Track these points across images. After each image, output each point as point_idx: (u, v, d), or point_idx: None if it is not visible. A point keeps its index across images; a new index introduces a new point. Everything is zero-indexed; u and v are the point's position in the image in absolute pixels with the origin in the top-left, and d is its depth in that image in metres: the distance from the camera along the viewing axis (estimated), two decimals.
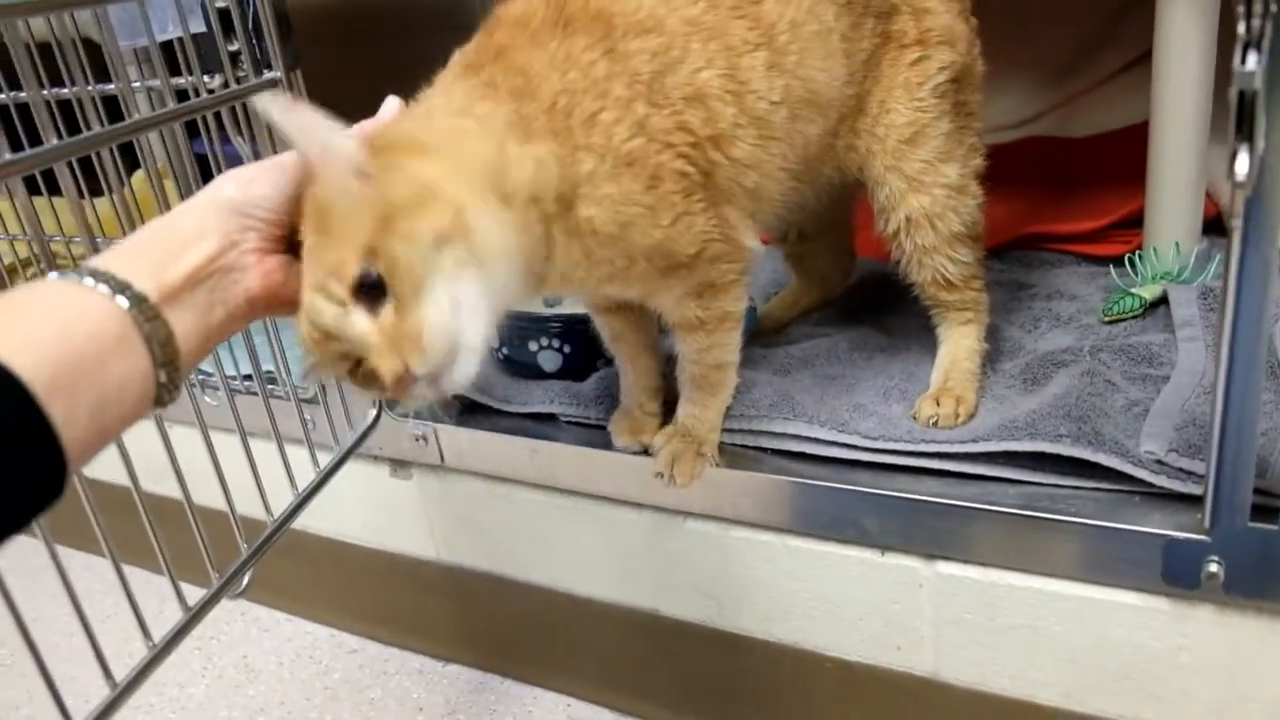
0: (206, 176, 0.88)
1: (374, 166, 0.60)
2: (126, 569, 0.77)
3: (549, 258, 0.71)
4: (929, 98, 0.88)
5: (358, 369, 0.62)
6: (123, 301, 0.52)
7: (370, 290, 0.58)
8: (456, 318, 0.60)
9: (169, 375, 0.54)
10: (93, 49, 0.84)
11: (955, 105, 0.90)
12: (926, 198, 0.89)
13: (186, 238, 0.58)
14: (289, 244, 0.62)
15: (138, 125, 0.76)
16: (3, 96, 0.94)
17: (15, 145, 0.68)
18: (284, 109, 0.59)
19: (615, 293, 0.82)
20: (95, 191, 0.90)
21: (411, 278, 0.58)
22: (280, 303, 0.63)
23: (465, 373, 0.61)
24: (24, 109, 0.78)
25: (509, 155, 0.66)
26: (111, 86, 0.82)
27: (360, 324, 0.59)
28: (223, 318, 0.59)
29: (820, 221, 1.09)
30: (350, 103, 0.65)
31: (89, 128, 0.75)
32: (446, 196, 0.61)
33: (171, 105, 0.81)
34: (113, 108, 0.81)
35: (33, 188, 0.75)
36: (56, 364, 0.47)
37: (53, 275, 0.53)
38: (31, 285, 0.52)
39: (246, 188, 0.61)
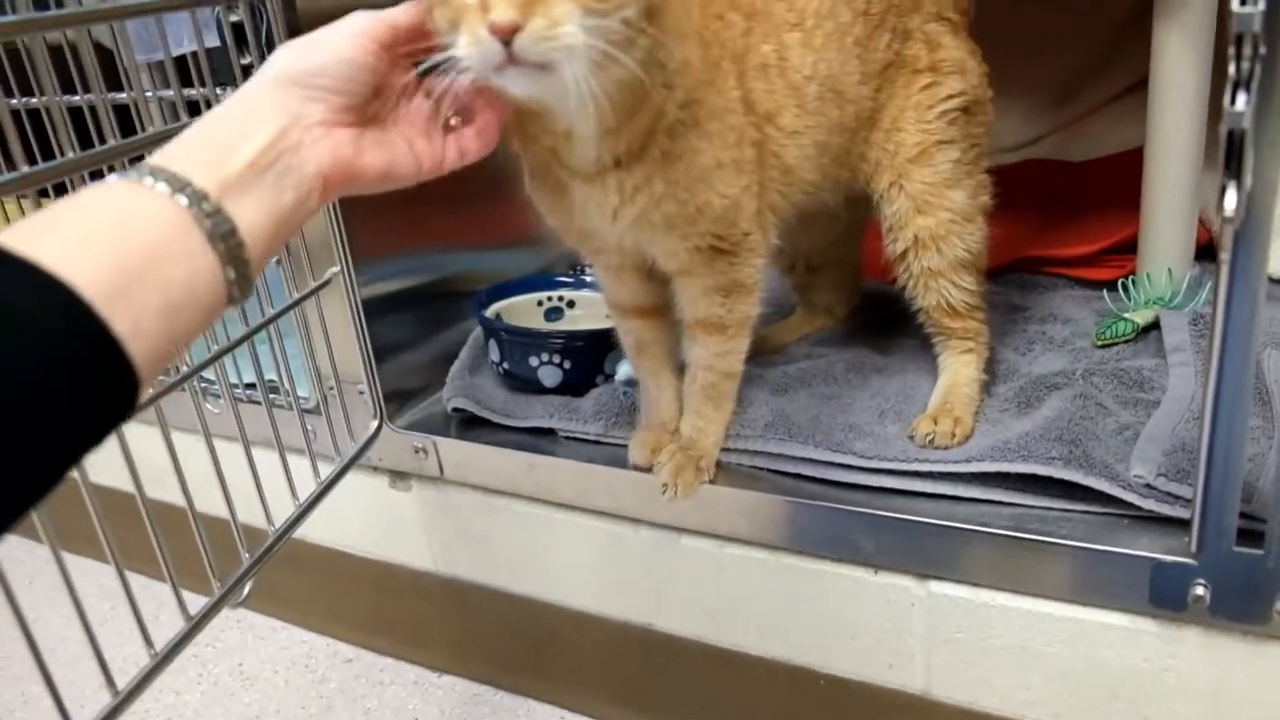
0: None
1: None
2: (109, 573, 0.77)
3: (650, 139, 0.74)
4: (936, 121, 0.92)
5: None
6: (181, 199, 0.50)
7: None
8: (598, 39, 0.60)
9: (239, 271, 0.52)
10: (103, 55, 0.86)
11: (965, 136, 0.93)
12: (932, 220, 0.92)
13: (245, 124, 0.56)
14: (361, 116, 0.61)
15: (153, 138, 0.77)
16: (15, 102, 0.96)
17: (27, 153, 0.69)
18: None
19: (657, 245, 0.83)
20: None
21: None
22: (355, 178, 0.61)
23: (572, 76, 0.60)
24: (34, 115, 0.80)
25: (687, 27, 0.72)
26: (123, 95, 0.83)
27: None
28: (293, 202, 0.56)
29: (828, 254, 1.12)
30: None
31: (101, 135, 0.76)
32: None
33: (185, 119, 0.82)
34: (123, 116, 0.83)
35: (43, 194, 0.76)
36: (115, 271, 0.45)
37: (111, 176, 0.51)
38: (89, 188, 0.50)
39: (305, 56, 0.58)
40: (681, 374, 0.95)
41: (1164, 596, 0.76)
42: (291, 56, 0.58)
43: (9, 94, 1.12)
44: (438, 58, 0.61)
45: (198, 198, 0.50)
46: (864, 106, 0.91)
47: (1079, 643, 0.82)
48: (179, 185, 0.50)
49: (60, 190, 0.73)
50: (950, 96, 0.92)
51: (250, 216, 0.53)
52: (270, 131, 0.55)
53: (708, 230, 0.81)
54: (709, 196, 0.79)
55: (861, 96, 0.90)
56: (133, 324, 0.45)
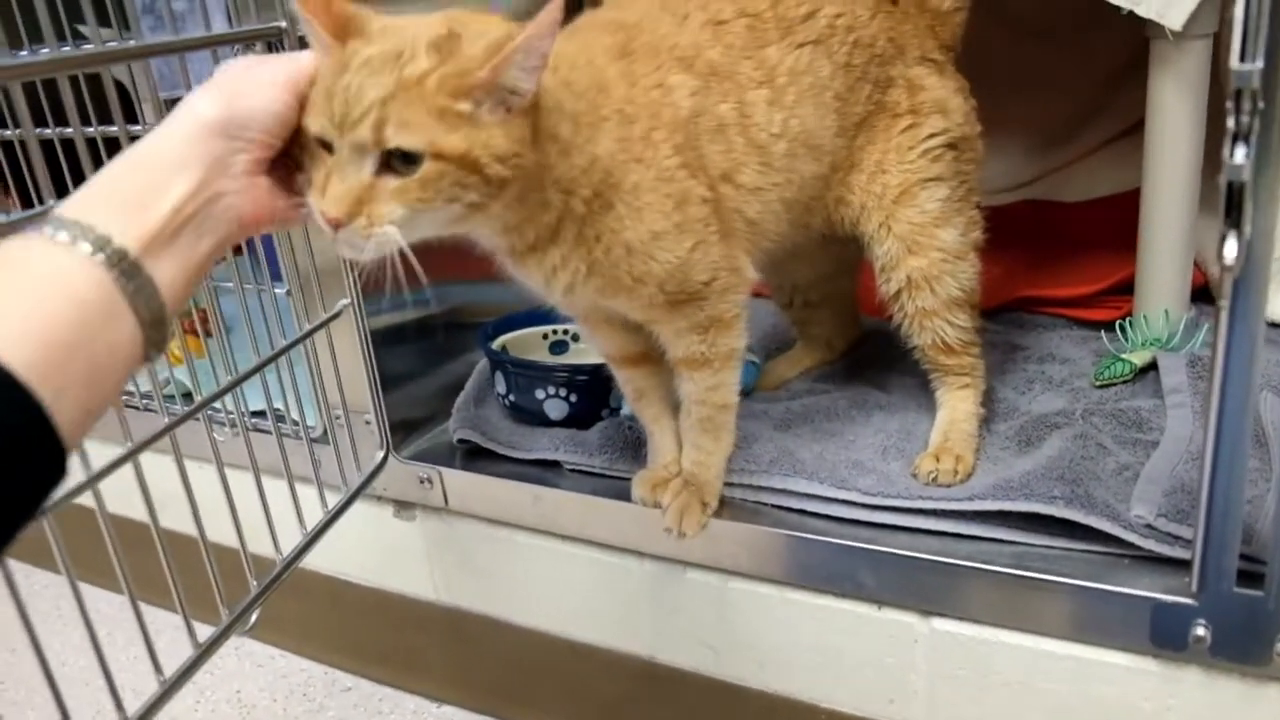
0: None
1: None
2: (122, 601, 0.78)
3: (557, 235, 0.75)
4: (919, 160, 0.93)
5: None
6: (101, 259, 0.49)
7: (403, 157, 0.61)
8: (408, 236, 0.64)
9: (157, 331, 0.52)
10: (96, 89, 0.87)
11: (954, 173, 0.94)
12: (924, 260, 0.93)
13: (164, 171, 0.55)
14: (280, 162, 0.63)
15: None
16: (50, 132, 0.97)
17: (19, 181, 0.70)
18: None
19: (621, 307, 0.85)
20: None
21: (432, 190, 0.62)
22: (268, 223, 0.62)
23: (371, 260, 0.64)
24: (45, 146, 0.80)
25: (574, 140, 0.72)
26: (138, 129, 0.85)
27: (365, 168, 0.61)
28: (209, 249, 0.57)
29: (824, 288, 1.14)
30: None
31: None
32: (513, 137, 0.65)
33: None
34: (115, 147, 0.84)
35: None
36: (45, 345, 0.45)
37: (26, 231, 0.50)
38: (9, 246, 0.49)
39: (231, 105, 0.58)
40: (678, 412, 0.95)
41: (1165, 636, 0.77)
42: (218, 104, 0.58)
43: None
44: (306, 199, 0.64)
45: (119, 258, 0.50)
46: (840, 155, 0.92)
47: (1080, 681, 0.83)
48: (100, 244, 0.50)
49: None
50: (932, 135, 0.93)
51: (170, 273, 0.53)
52: (192, 182, 0.55)
53: (656, 291, 0.81)
54: (647, 266, 0.79)
55: (838, 147, 0.91)
56: (61, 396, 0.45)
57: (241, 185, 0.59)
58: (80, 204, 0.52)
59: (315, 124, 0.62)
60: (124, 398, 1.24)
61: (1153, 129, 1.08)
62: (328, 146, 0.62)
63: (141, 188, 0.54)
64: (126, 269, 0.50)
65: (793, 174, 0.88)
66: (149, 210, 0.53)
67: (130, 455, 0.76)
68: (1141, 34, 1.03)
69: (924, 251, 0.93)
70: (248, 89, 0.60)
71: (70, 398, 0.46)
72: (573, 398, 1.08)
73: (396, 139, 0.61)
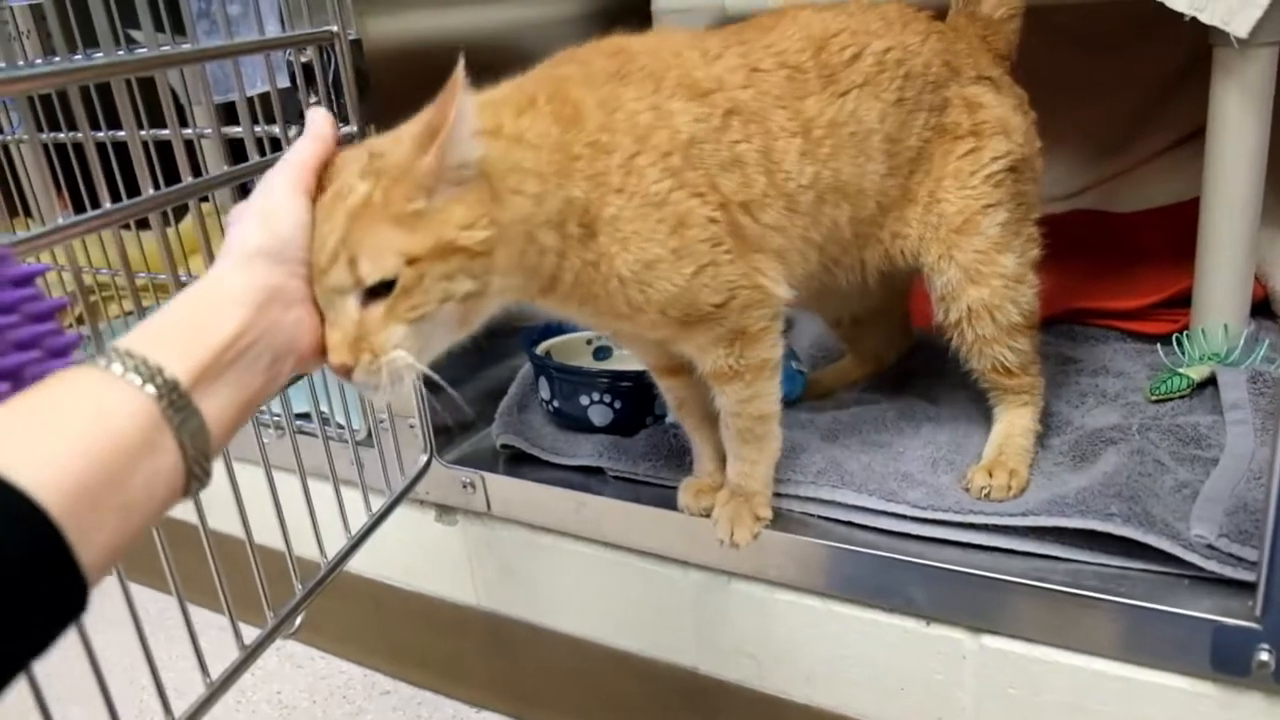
0: None
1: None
2: (163, 601, 0.78)
3: (556, 278, 0.74)
4: (981, 185, 0.89)
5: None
6: (150, 390, 0.49)
7: (384, 287, 0.61)
8: (423, 353, 0.64)
9: (200, 466, 0.51)
10: (149, 93, 0.87)
11: (1013, 195, 0.91)
12: (985, 289, 0.90)
13: (220, 303, 0.55)
14: None
15: (228, 176, 0.79)
16: (103, 135, 0.98)
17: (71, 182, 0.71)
18: (465, 90, 0.60)
19: (643, 328, 0.82)
20: (141, 224, 0.93)
21: (419, 295, 0.61)
22: (319, 357, 0.61)
23: (398, 393, 0.63)
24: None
25: (543, 191, 0.69)
26: (189, 132, 0.85)
27: (352, 303, 0.61)
28: (263, 382, 0.56)
29: (874, 306, 1.11)
30: None
31: (181, 175, 0.78)
32: (474, 200, 0.64)
33: (256, 156, 0.84)
34: (162, 151, 0.84)
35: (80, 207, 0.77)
36: (76, 476, 0.44)
37: (83, 362, 0.50)
38: (61, 377, 0.49)
39: (268, 229, 0.59)
40: (715, 423, 0.94)
41: (1226, 661, 0.75)
42: (256, 231, 0.58)
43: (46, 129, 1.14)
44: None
45: (169, 389, 0.49)
46: (890, 195, 0.89)
47: (1134, 703, 0.81)
48: (151, 375, 0.49)
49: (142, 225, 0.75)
50: (995, 159, 0.90)
51: (220, 407, 0.52)
52: (248, 312, 0.55)
53: (658, 316, 0.78)
54: (644, 294, 0.76)
55: (888, 187, 0.88)
56: (89, 530, 0.44)
57: (298, 315, 0.59)
58: (136, 337, 0.52)
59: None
60: None
61: (1214, 138, 1.05)
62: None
63: (197, 321, 0.54)
64: (175, 400, 0.49)
65: (821, 217, 0.85)
66: (203, 342, 0.53)
67: None
68: (1198, 40, 1.01)
69: (985, 280, 0.90)
70: (272, 209, 0.60)
71: (100, 530, 0.45)
72: (617, 404, 1.08)
73: (371, 271, 0.60)
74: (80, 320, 1.57)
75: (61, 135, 1.26)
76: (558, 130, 0.71)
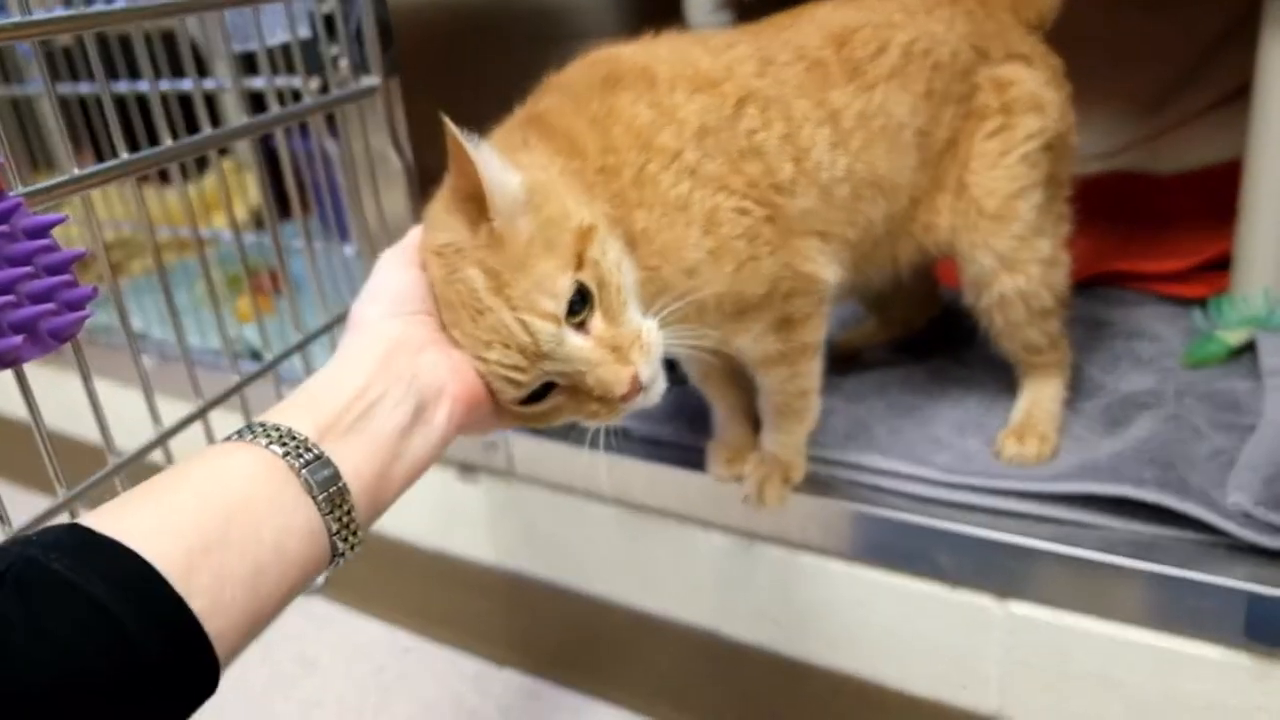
0: (274, 170, 0.90)
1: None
2: None
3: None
4: (1016, 166, 0.84)
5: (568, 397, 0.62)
6: (276, 448, 0.47)
7: (576, 305, 0.59)
8: (651, 304, 0.64)
9: (342, 520, 0.48)
10: (170, 45, 0.86)
11: (1049, 176, 0.87)
12: (1022, 277, 0.86)
13: (347, 367, 0.54)
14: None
15: (248, 129, 0.78)
16: (124, 87, 0.97)
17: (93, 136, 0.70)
18: (467, 138, 0.57)
19: (693, 334, 0.78)
20: (165, 178, 0.92)
21: (614, 285, 0.60)
22: (482, 398, 0.59)
23: (669, 347, 0.64)
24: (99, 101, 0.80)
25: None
26: (210, 84, 0.84)
27: (575, 338, 0.59)
28: (410, 435, 0.54)
29: (900, 279, 1.08)
30: (451, 112, 0.66)
31: (200, 126, 0.77)
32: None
33: (277, 109, 0.82)
34: (183, 103, 0.83)
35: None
36: (196, 539, 0.42)
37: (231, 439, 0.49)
38: (193, 455, 0.48)
39: (382, 291, 0.59)
40: (748, 393, 0.92)
41: (1261, 631, 0.73)
42: (369, 303, 0.58)
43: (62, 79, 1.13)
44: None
45: (296, 445, 0.48)
46: (922, 188, 0.85)
47: (1164, 673, 0.79)
48: (275, 435, 0.48)
49: (163, 177, 0.74)
50: (1029, 137, 0.85)
51: (355, 458, 0.50)
52: (372, 364, 0.53)
53: (714, 312, 0.74)
54: (694, 298, 0.71)
55: (920, 180, 0.84)
56: (214, 598, 0.42)
57: (434, 357, 0.56)
58: (270, 414, 0.51)
59: (514, 394, 0.60)
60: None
61: (1260, 95, 1.01)
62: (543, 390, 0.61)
63: (324, 387, 0.53)
64: (302, 454, 0.48)
65: (857, 215, 0.81)
66: (328, 400, 0.52)
67: (201, 413, 0.76)
68: None
69: (1023, 268, 0.86)
70: (382, 279, 0.60)
71: (224, 595, 0.42)
72: None
73: (556, 296, 0.58)
74: (102, 278, 1.58)
75: (83, 88, 1.26)
76: (562, 160, 0.67)
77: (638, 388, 0.60)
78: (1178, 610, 0.77)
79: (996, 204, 0.85)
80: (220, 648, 0.42)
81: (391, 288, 0.59)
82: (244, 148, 1.21)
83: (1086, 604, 0.81)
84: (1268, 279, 1.06)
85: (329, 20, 0.90)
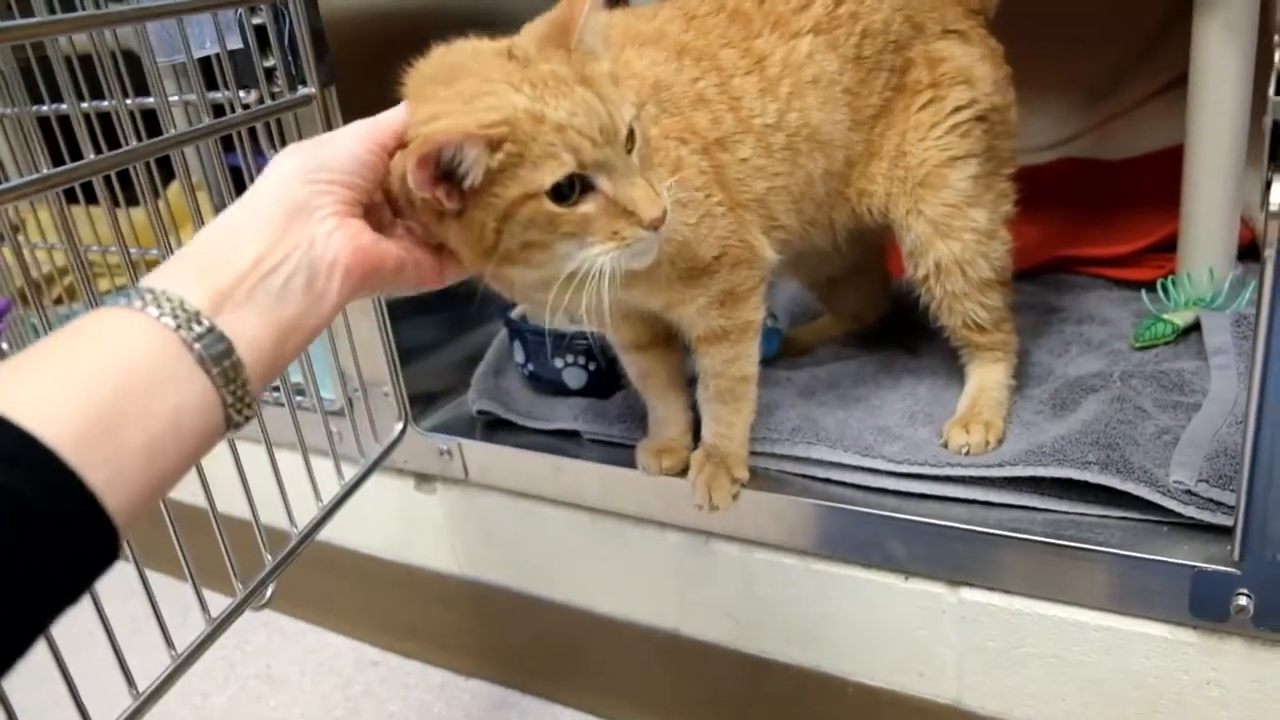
0: (240, 188, 0.89)
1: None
2: (149, 574, 0.77)
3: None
4: (946, 136, 0.87)
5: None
6: (168, 321, 0.46)
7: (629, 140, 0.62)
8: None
9: (236, 393, 0.48)
10: (133, 61, 0.86)
11: (985, 149, 0.89)
12: (956, 244, 0.88)
13: (244, 228, 0.52)
14: (366, 214, 0.59)
15: (174, 140, 0.77)
16: (46, 108, 0.96)
17: (55, 156, 0.69)
18: None
19: (639, 299, 0.81)
20: (131, 200, 0.91)
21: (645, 137, 0.64)
22: (376, 267, 0.57)
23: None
24: (65, 120, 0.80)
25: None
26: (150, 100, 0.83)
27: (634, 160, 0.62)
28: (303, 305, 0.52)
29: (849, 266, 1.09)
30: None
31: (126, 140, 0.76)
32: None
33: (207, 120, 0.82)
34: (151, 120, 0.83)
35: (71, 196, 0.76)
36: (90, 413, 0.42)
37: (109, 302, 0.48)
38: (84, 319, 0.47)
39: (312, 153, 0.56)
40: (688, 390, 0.93)
41: (1205, 607, 0.74)
42: (297, 157, 0.56)
43: (36, 100, 1.13)
44: (568, 266, 0.63)
45: (188, 317, 0.47)
46: (856, 150, 0.87)
47: (1116, 653, 0.79)
48: (168, 305, 0.47)
49: (86, 189, 0.74)
50: (958, 109, 0.87)
51: (252, 329, 0.50)
52: (271, 232, 0.52)
53: (670, 268, 0.77)
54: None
55: (853, 140, 0.86)
56: (111, 470, 0.42)
57: (330, 227, 0.55)
58: (160, 273, 0.50)
59: (560, 168, 0.59)
60: None
61: (1197, 77, 1.02)
62: (570, 190, 0.61)
63: (218, 250, 0.51)
64: (196, 328, 0.47)
65: (797, 168, 0.83)
66: (224, 267, 0.50)
67: None
68: None
69: (955, 234, 0.88)
70: (326, 140, 0.58)
71: (123, 469, 0.42)
72: (591, 366, 1.06)
73: (628, 117, 0.62)
74: (59, 300, 1.56)
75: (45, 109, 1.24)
76: None
77: (661, 222, 0.63)
78: (1125, 590, 0.77)
79: (927, 171, 0.87)
80: (120, 519, 0.42)
81: (331, 147, 0.57)
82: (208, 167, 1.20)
83: (1037, 587, 0.81)
84: (1212, 260, 1.07)
85: (261, 30, 0.89)
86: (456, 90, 0.60)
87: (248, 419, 0.50)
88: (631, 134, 0.62)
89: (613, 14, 0.81)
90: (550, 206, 0.60)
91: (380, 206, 0.62)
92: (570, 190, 0.60)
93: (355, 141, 0.58)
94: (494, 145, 0.57)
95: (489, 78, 0.59)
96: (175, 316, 0.47)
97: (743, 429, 0.91)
